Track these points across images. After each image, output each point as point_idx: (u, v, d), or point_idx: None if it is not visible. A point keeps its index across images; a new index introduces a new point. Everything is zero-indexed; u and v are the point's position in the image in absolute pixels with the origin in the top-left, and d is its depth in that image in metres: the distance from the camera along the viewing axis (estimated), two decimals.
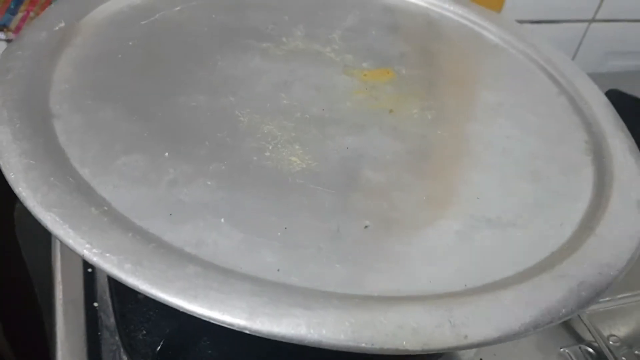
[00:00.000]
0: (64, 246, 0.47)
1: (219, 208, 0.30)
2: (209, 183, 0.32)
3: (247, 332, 0.25)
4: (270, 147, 0.35)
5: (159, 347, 0.39)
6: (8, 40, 0.58)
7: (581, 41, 0.88)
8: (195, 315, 0.25)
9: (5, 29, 0.57)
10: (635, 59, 0.93)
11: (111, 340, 0.40)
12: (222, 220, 0.30)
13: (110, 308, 0.42)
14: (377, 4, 0.55)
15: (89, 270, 0.44)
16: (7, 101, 0.32)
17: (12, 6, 0.56)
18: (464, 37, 0.53)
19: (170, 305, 0.25)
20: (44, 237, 0.50)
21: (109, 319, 0.41)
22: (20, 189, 0.27)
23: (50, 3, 0.57)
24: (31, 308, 0.54)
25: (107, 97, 0.36)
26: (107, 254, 0.25)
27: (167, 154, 0.33)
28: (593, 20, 0.85)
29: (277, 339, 0.25)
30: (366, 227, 0.31)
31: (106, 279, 0.44)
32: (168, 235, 0.28)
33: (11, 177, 0.28)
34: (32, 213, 0.27)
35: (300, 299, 0.26)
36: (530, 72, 0.50)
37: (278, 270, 0.28)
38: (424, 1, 0.56)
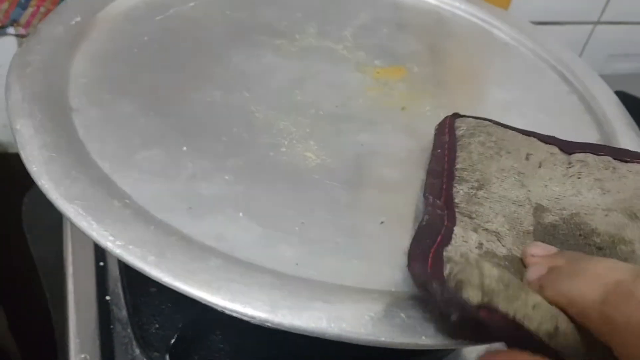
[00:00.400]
0: (76, 240, 0.47)
1: (237, 202, 0.31)
2: (227, 177, 0.32)
3: (269, 324, 0.25)
4: (285, 143, 0.35)
5: (173, 341, 0.39)
6: (18, 35, 0.58)
7: (586, 43, 0.88)
8: (217, 307, 0.25)
9: (15, 24, 0.58)
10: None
11: (123, 333, 0.40)
12: (241, 214, 0.30)
13: (123, 301, 0.42)
14: (388, 2, 0.55)
15: (101, 263, 0.45)
16: (27, 95, 0.32)
17: (23, 1, 0.56)
18: (475, 35, 0.54)
19: (192, 297, 0.25)
20: (52, 231, 0.50)
21: (121, 312, 0.42)
22: (42, 181, 0.27)
23: None
24: (38, 302, 0.54)
25: (124, 92, 0.36)
26: (131, 246, 0.25)
27: (185, 148, 0.33)
28: (598, 22, 0.86)
29: (298, 332, 0.25)
30: (382, 223, 0.32)
31: (118, 272, 0.44)
32: (188, 228, 0.28)
33: (33, 169, 0.28)
34: (55, 205, 0.27)
35: (320, 293, 0.26)
36: (541, 70, 0.50)
37: (297, 264, 0.28)
38: None
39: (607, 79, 0.51)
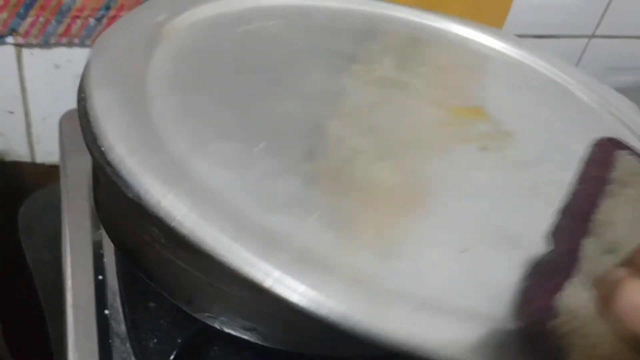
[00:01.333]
0: (74, 252, 0.46)
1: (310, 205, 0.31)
2: (300, 180, 0.32)
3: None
4: (358, 161, 0.35)
5: (172, 356, 0.39)
6: (17, 45, 0.58)
7: (581, 56, 0.88)
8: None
9: (14, 33, 0.57)
10: (635, 75, 0.94)
11: (122, 348, 0.40)
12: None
13: (121, 315, 0.42)
14: (471, 48, 0.55)
15: (100, 277, 0.44)
16: (106, 73, 0.33)
17: (22, 11, 0.56)
18: (548, 87, 0.52)
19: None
20: (49, 241, 0.50)
21: (120, 327, 0.41)
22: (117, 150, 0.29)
23: (60, 7, 0.56)
24: (34, 312, 0.53)
25: (201, 88, 0.37)
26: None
27: (261, 144, 0.33)
28: (593, 35, 0.86)
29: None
30: (463, 252, 0.31)
31: (117, 286, 0.43)
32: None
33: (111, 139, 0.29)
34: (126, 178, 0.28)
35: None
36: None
37: None
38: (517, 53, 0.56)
39: None
